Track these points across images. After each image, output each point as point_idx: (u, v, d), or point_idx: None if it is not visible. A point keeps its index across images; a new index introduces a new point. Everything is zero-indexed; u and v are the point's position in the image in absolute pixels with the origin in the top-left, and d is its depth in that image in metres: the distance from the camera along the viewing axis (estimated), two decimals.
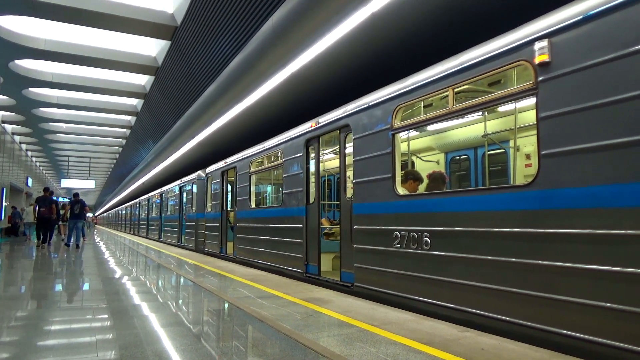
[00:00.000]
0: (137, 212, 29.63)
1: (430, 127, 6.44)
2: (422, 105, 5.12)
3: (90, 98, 19.23)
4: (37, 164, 38.95)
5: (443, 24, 6.40)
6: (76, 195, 14.61)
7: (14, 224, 24.58)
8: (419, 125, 4.95)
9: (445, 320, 4.05)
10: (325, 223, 7.39)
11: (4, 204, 26.31)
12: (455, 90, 4.26)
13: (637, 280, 2.73)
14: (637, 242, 2.74)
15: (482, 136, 5.84)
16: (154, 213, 22.69)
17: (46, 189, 14.98)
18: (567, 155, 3.17)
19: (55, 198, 15.92)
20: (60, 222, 18.02)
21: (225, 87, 10.85)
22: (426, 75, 4.61)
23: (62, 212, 16.80)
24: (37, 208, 14.31)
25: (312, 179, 6.98)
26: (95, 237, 24.14)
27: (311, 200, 6.95)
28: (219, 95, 11.48)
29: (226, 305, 4.91)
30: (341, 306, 4.68)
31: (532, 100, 3.57)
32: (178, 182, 16.66)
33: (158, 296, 5.59)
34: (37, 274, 7.81)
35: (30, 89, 17.26)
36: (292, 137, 7.58)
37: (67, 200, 50.88)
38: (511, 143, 5.85)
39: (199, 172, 13.84)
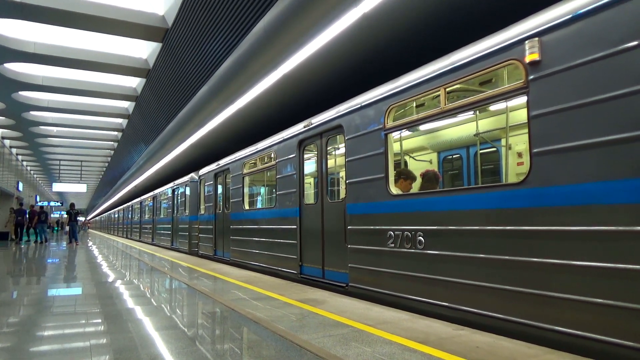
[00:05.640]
0: (129, 216, 29.41)
1: (423, 127, 6.47)
2: (415, 105, 5.14)
3: (81, 101, 19.08)
4: (28, 168, 38.56)
5: (434, 24, 6.43)
6: (41, 207, 21.31)
7: None
8: (412, 125, 4.96)
9: (440, 319, 4.07)
10: None
11: None
12: (447, 89, 4.29)
13: (629, 276, 2.76)
14: (628, 238, 2.77)
15: (474, 135, 5.87)
16: (146, 216, 22.55)
17: (21, 203, 21.64)
18: (559, 153, 3.20)
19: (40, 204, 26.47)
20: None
21: (217, 88, 10.82)
22: (418, 75, 4.63)
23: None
24: (17, 218, 20.19)
25: (310, 180, 6.96)
26: (88, 241, 23.92)
27: (312, 200, 6.94)
28: (211, 97, 11.43)
29: (221, 307, 4.89)
30: (336, 306, 4.68)
31: (523, 99, 3.60)
32: (171, 184, 16.57)
33: (152, 300, 5.55)
34: (28, 279, 7.72)
35: (20, 92, 17.09)
36: (285, 138, 7.57)
37: (59, 204, 50.68)
38: (503, 142, 5.89)
39: (192, 174, 13.78)
